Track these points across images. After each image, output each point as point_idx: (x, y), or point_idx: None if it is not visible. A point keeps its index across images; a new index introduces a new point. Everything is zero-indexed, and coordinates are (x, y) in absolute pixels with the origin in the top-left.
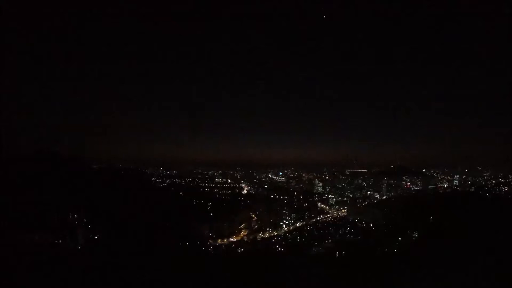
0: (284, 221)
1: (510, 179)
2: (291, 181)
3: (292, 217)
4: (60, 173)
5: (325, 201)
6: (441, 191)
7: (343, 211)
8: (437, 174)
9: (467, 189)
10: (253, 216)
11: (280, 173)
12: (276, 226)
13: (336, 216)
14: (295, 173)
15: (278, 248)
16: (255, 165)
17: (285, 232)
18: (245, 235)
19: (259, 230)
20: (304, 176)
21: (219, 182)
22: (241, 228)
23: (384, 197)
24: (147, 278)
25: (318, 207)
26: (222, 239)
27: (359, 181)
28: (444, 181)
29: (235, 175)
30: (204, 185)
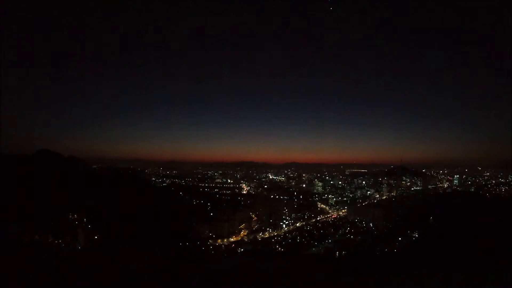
0: (284, 221)
1: (510, 179)
2: (291, 181)
3: (292, 217)
4: (60, 173)
5: (325, 201)
6: (441, 191)
7: (343, 211)
8: (437, 174)
9: (467, 189)
10: (253, 216)
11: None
12: (276, 226)
13: (336, 216)
14: (295, 173)
15: (278, 248)
16: (255, 165)
17: (285, 232)
18: (245, 235)
19: (259, 230)
20: (304, 176)
21: (219, 182)
22: (241, 228)
23: (384, 197)
24: (147, 278)
25: (318, 207)
26: (222, 239)
27: (359, 181)
28: (444, 181)
29: (235, 175)
30: (204, 185)
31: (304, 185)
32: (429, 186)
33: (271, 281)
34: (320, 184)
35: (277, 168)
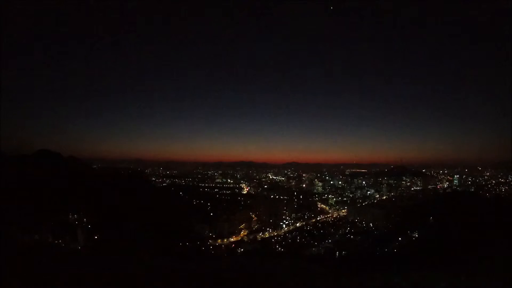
0: (284, 221)
1: (510, 179)
2: (291, 181)
3: (292, 217)
4: (60, 173)
5: (325, 201)
6: (441, 191)
7: (343, 211)
8: (437, 174)
9: (467, 189)
10: (253, 216)
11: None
12: (276, 226)
13: (336, 216)
14: (295, 173)
15: (278, 248)
16: (255, 165)
17: (285, 232)
18: (245, 235)
19: (259, 230)
20: (304, 176)
21: (219, 182)
22: (241, 228)
23: (384, 197)
24: (147, 278)
25: (318, 207)
26: (222, 239)
27: (359, 181)
28: (444, 181)
29: (235, 175)
30: (204, 185)
31: (304, 185)
32: (429, 186)
33: (271, 281)
34: (320, 184)
35: (277, 168)
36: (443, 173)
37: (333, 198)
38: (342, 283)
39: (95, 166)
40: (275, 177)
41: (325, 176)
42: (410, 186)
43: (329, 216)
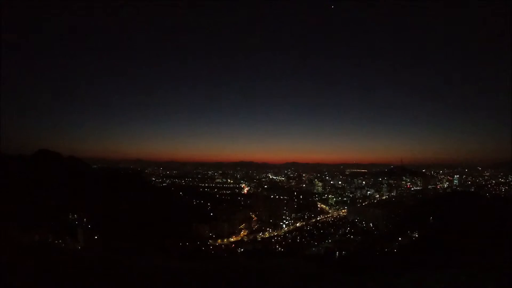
0: (284, 221)
1: (510, 179)
2: (291, 181)
3: (292, 217)
4: (60, 173)
5: (325, 201)
6: (441, 191)
7: (343, 211)
8: (437, 174)
9: (467, 189)
10: (253, 216)
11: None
12: (276, 226)
13: (336, 216)
14: (295, 173)
15: (278, 248)
16: (255, 165)
17: (285, 232)
18: (245, 235)
19: (259, 230)
20: (304, 176)
21: (219, 182)
22: (241, 228)
23: (384, 197)
24: (147, 278)
25: (318, 207)
26: (222, 239)
27: (359, 181)
28: (444, 181)
29: (235, 175)
30: (204, 185)
31: (304, 185)
32: (429, 186)
33: (271, 281)
34: (320, 184)
35: (277, 168)
36: (443, 173)
37: (333, 198)
38: (342, 283)
39: (95, 166)
40: (275, 177)
41: (325, 176)
42: (410, 186)
43: (329, 216)
